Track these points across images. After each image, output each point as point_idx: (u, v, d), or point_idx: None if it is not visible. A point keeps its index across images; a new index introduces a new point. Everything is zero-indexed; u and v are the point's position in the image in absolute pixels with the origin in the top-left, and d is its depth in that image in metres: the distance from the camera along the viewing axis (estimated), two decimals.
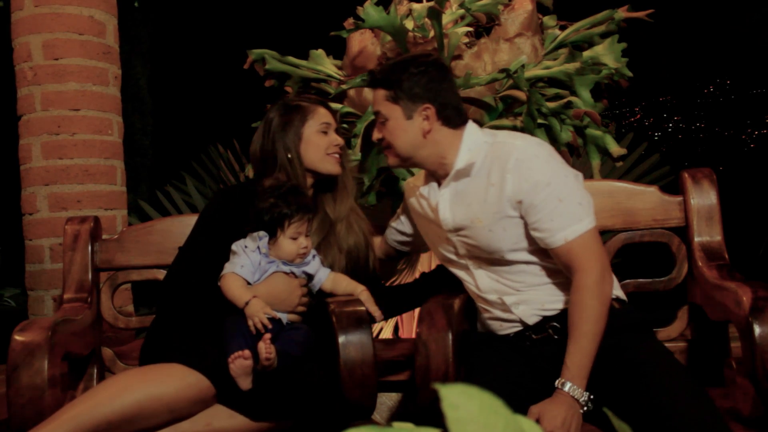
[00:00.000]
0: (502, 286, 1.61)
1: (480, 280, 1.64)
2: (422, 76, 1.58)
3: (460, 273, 1.71)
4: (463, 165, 1.59)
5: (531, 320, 1.58)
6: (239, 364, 1.48)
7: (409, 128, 1.60)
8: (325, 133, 1.82)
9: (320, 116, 1.83)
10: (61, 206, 2.69)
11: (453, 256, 1.70)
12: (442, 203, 1.64)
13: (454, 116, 1.61)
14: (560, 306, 1.56)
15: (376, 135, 1.67)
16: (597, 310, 1.45)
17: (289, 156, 1.80)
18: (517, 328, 1.61)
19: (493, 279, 1.62)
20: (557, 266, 1.56)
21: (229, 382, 1.52)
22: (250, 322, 1.57)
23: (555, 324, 1.56)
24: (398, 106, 1.60)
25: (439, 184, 1.67)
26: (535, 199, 1.50)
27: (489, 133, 1.65)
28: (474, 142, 1.60)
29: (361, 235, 1.86)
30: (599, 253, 1.50)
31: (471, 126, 1.64)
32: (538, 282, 1.58)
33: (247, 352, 1.49)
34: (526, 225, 1.54)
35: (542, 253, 1.56)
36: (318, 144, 1.81)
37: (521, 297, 1.59)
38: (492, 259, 1.60)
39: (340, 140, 1.84)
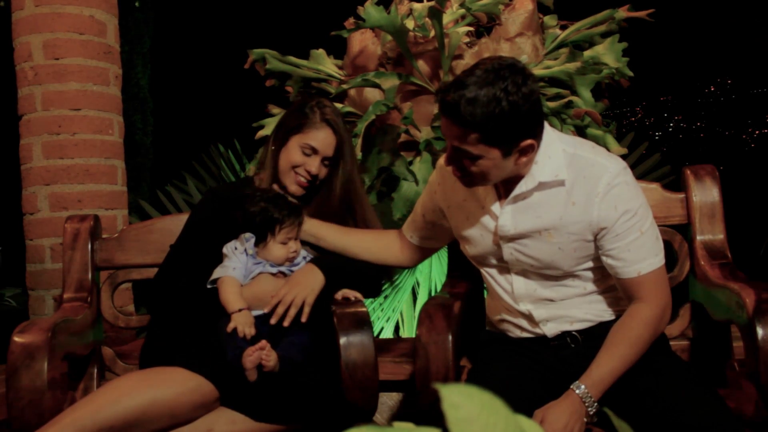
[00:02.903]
0: (538, 296, 1.54)
1: (517, 285, 1.56)
2: (526, 107, 1.33)
3: (493, 273, 1.61)
4: (550, 179, 1.44)
5: (552, 334, 1.55)
6: (257, 356, 1.49)
7: (506, 165, 1.40)
8: (307, 155, 1.74)
9: (313, 137, 1.74)
10: (61, 206, 2.69)
11: (493, 259, 1.58)
12: (505, 208, 1.50)
13: (543, 133, 1.45)
14: (585, 326, 1.54)
15: (451, 164, 1.45)
16: (644, 341, 1.44)
17: (272, 148, 1.79)
18: (534, 336, 1.58)
19: (531, 288, 1.54)
20: (600, 283, 1.53)
21: (232, 384, 1.51)
22: (236, 327, 1.56)
23: (575, 334, 1.54)
24: (496, 148, 1.36)
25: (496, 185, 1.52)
26: (620, 228, 1.43)
27: (563, 138, 1.49)
28: (553, 149, 1.45)
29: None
30: (666, 290, 1.49)
31: (545, 128, 1.47)
32: (575, 295, 1.54)
33: (263, 342, 1.49)
34: (596, 247, 1.48)
35: (595, 272, 1.52)
36: (292, 157, 1.75)
37: (552, 312, 1.54)
38: (542, 273, 1.53)
39: (314, 170, 1.74)
